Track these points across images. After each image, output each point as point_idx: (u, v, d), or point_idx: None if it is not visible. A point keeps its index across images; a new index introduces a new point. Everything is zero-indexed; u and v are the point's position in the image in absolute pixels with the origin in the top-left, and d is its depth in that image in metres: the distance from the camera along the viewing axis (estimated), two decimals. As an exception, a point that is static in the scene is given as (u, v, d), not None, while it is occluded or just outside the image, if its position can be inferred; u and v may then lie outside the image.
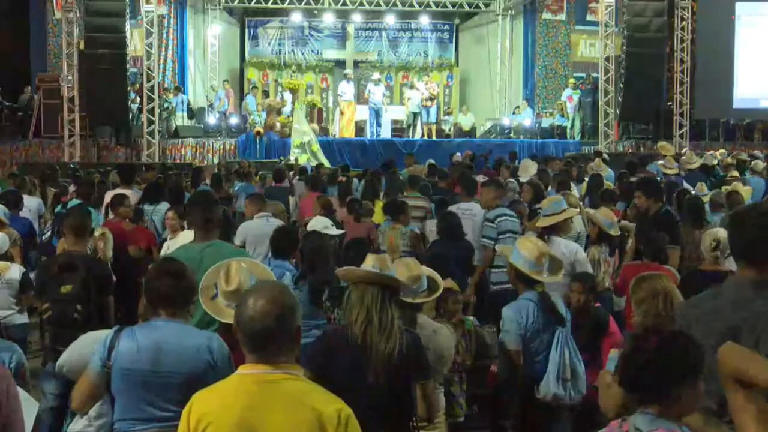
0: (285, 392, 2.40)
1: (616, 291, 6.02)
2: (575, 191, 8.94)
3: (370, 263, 3.63)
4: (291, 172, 13.41)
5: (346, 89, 20.77)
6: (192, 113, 20.85)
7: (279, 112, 20.00)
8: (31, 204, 9.17)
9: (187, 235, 5.76)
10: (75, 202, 8.83)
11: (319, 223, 6.63)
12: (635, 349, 2.43)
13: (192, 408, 2.48)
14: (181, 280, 3.37)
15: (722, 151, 15.25)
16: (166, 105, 19.59)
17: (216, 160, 18.33)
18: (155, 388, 3.23)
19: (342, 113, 20.96)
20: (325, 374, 3.06)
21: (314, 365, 3.20)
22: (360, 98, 21.70)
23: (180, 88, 20.75)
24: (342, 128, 20.85)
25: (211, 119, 20.74)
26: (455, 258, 6.27)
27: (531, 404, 4.13)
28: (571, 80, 21.43)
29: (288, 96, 20.97)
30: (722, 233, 4.99)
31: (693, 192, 8.66)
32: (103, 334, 3.45)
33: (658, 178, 10.07)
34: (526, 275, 4.32)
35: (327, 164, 16.16)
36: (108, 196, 8.43)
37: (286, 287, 2.70)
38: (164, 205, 8.05)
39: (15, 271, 6.08)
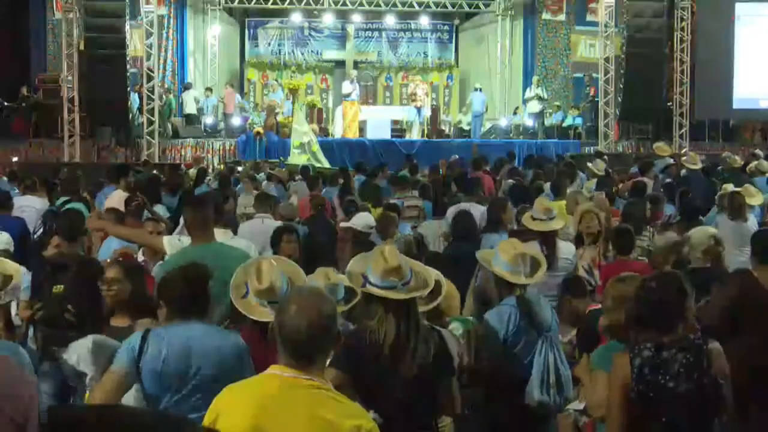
0: (305, 400, 2.40)
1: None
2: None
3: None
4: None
5: (349, 89, 20.74)
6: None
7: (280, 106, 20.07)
8: (34, 203, 9.04)
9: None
10: (63, 199, 8.74)
11: (360, 221, 6.52)
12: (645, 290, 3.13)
13: (215, 404, 2.53)
14: (200, 283, 3.42)
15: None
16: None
17: (216, 161, 18.35)
18: (183, 390, 3.25)
19: (345, 114, 20.94)
20: (354, 373, 3.11)
21: (343, 366, 3.17)
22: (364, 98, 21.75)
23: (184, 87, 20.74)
24: (345, 129, 20.81)
25: (209, 119, 20.68)
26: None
27: (519, 409, 4.06)
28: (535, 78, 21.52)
29: (281, 95, 20.93)
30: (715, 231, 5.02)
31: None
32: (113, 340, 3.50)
33: (665, 179, 10.19)
34: (505, 280, 4.18)
35: (327, 165, 16.16)
36: (115, 198, 8.36)
37: (326, 294, 2.75)
38: (160, 207, 8.03)
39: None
